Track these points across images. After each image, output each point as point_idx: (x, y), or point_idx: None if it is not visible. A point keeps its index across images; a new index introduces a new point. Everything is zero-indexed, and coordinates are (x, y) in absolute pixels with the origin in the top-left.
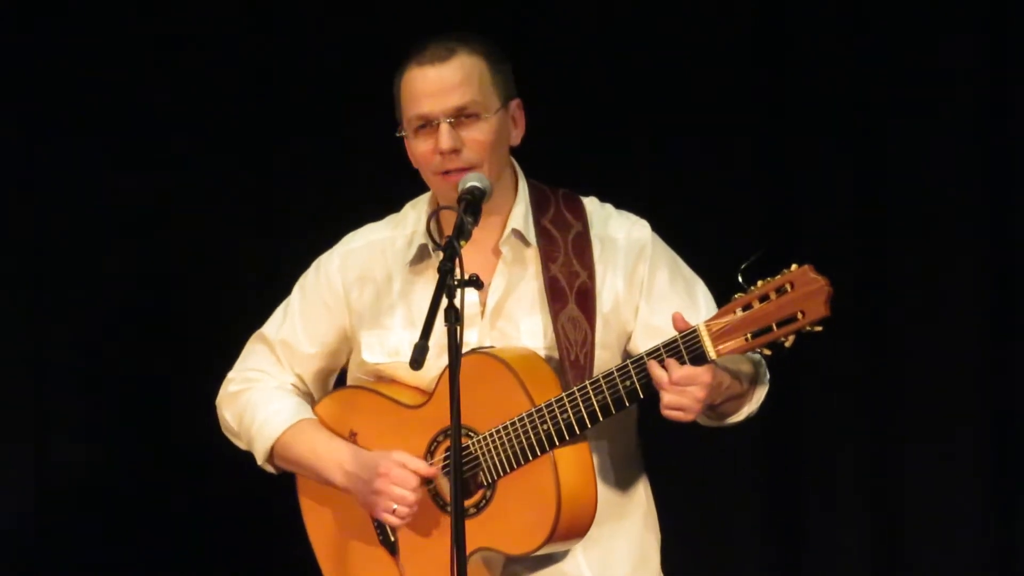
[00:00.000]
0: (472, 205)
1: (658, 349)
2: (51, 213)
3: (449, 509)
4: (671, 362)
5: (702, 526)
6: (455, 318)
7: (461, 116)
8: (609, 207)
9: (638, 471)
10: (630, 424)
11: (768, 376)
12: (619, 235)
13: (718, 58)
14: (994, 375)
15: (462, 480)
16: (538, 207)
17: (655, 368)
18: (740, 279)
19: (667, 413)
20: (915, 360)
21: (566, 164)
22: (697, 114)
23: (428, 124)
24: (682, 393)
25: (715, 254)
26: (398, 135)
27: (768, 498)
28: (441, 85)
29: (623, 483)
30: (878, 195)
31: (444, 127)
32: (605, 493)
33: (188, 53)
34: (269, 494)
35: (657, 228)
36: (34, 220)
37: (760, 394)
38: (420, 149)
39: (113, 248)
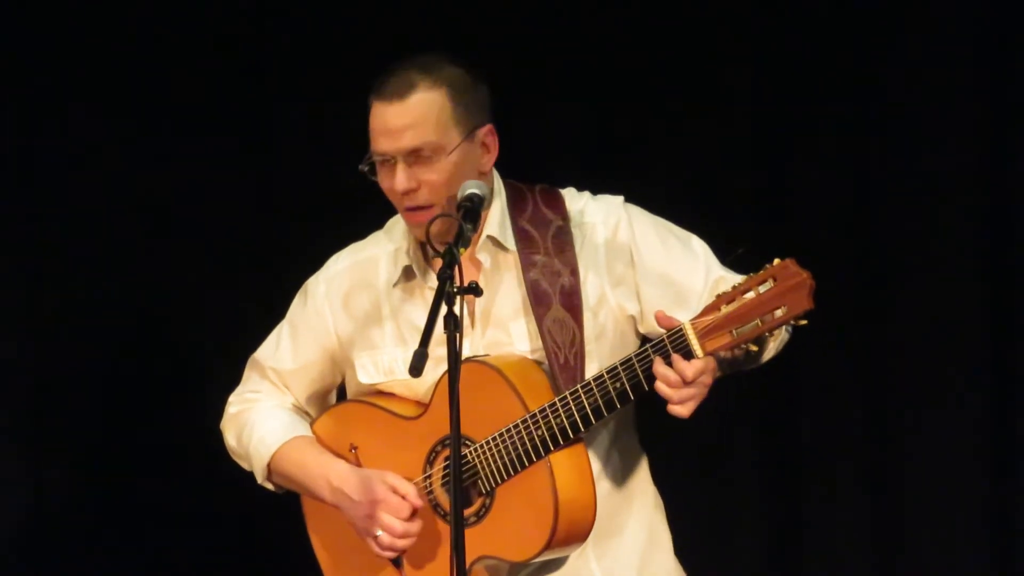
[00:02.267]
0: (471, 212)
1: (645, 350)
2: (48, 221)
3: (450, 519)
4: (678, 359)
5: (701, 516)
6: (455, 325)
7: (415, 156)
8: (586, 195)
9: (641, 465)
10: (629, 419)
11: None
12: (596, 220)
13: (713, 50)
14: (994, 364)
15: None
16: (515, 207)
17: (661, 367)
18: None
19: (676, 410)
20: (914, 350)
21: (559, 157)
22: (691, 106)
23: (386, 161)
24: (695, 384)
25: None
26: (360, 168)
27: (768, 490)
28: (398, 124)
29: (627, 478)
30: (875, 184)
31: (400, 166)
32: (609, 489)
33: (190, 57)
34: (272, 508)
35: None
36: (31, 227)
37: (778, 340)
38: (383, 184)
39: (111, 260)
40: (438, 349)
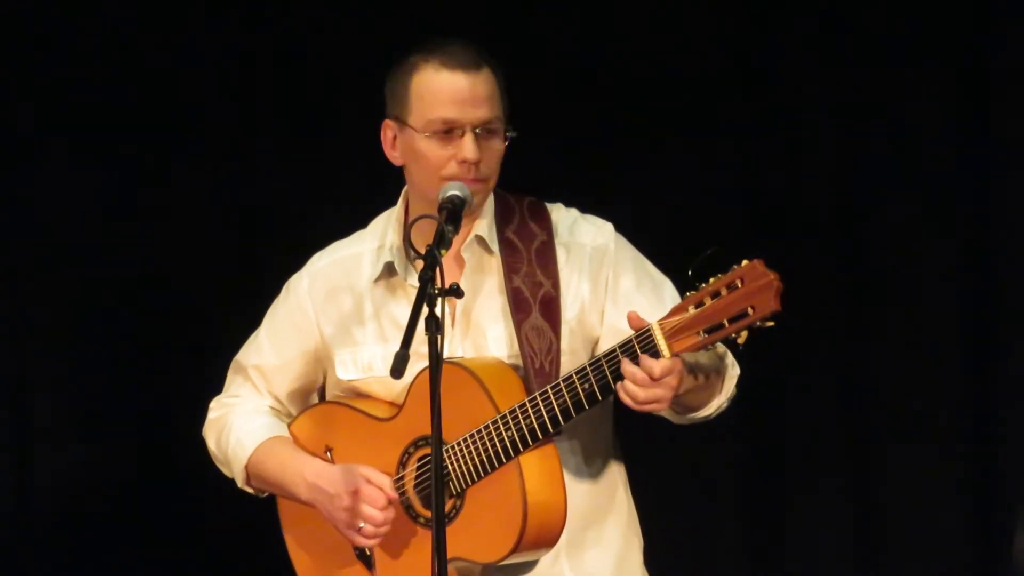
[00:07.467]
0: (453, 214)
1: (613, 350)
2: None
3: (422, 521)
4: (645, 358)
5: (682, 524)
6: (436, 327)
7: (485, 129)
8: (574, 212)
9: (618, 473)
10: (607, 427)
11: (736, 368)
12: (585, 241)
13: (697, 60)
14: (975, 372)
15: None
16: (502, 218)
17: (629, 366)
18: (691, 276)
19: (641, 407)
20: (896, 357)
21: (541, 164)
22: (675, 116)
23: (451, 130)
24: (661, 385)
25: (690, 254)
26: (423, 134)
27: (748, 494)
28: (473, 94)
29: (603, 486)
30: (858, 195)
31: (470, 136)
32: (585, 497)
33: (174, 65)
34: (250, 511)
35: (630, 228)
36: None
37: (729, 385)
38: (435, 152)
39: (98, 257)
40: (417, 349)
